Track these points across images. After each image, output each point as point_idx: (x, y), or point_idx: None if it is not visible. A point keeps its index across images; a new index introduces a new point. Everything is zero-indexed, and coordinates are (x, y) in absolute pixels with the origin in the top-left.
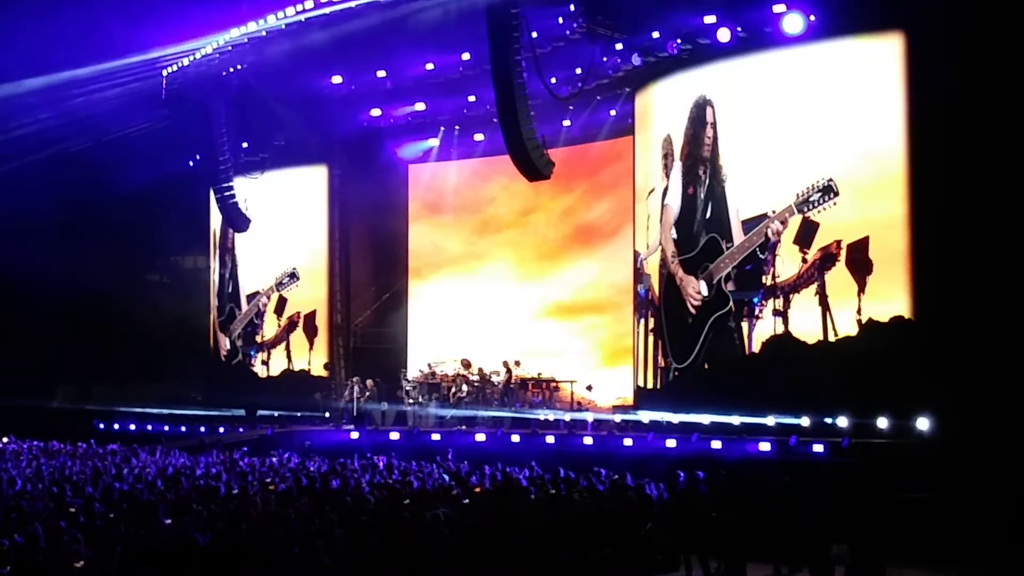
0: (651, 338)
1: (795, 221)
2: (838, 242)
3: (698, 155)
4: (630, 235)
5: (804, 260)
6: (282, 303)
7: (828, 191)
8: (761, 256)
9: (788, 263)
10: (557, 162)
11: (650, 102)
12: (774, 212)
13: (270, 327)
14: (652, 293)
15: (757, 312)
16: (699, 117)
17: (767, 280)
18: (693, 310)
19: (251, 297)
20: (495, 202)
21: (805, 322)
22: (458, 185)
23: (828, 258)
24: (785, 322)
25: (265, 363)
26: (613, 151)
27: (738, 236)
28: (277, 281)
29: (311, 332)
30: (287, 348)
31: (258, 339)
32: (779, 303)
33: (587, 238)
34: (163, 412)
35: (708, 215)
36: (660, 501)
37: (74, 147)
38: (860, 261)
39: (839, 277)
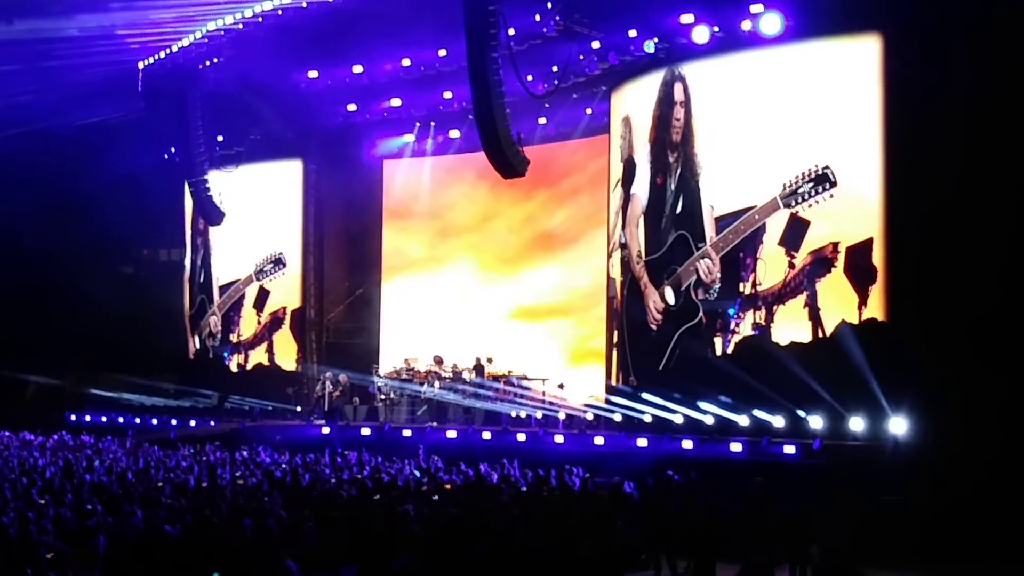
0: (615, 352)
1: (780, 218)
2: (834, 244)
3: (666, 139)
4: (598, 237)
5: (791, 265)
6: (263, 296)
7: (823, 181)
8: (738, 259)
9: (772, 268)
10: (531, 162)
11: (626, 101)
12: (754, 207)
13: (248, 324)
14: (616, 300)
15: (733, 326)
16: (667, 96)
17: (745, 288)
18: (655, 324)
19: (225, 288)
20: (468, 202)
21: (792, 338)
22: (432, 183)
23: (821, 263)
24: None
25: (241, 366)
26: (584, 153)
27: (712, 236)
28: (258, 268)
29: (300, 331)
30: (269, 349)
31: (233, 338)
32: (760, 315)
33: (557, 241)
34: (134, 404)
35: (679, 209)
36: (631, 500)
37: (44, 130)
38: (862, 268)
39: (835, 286)
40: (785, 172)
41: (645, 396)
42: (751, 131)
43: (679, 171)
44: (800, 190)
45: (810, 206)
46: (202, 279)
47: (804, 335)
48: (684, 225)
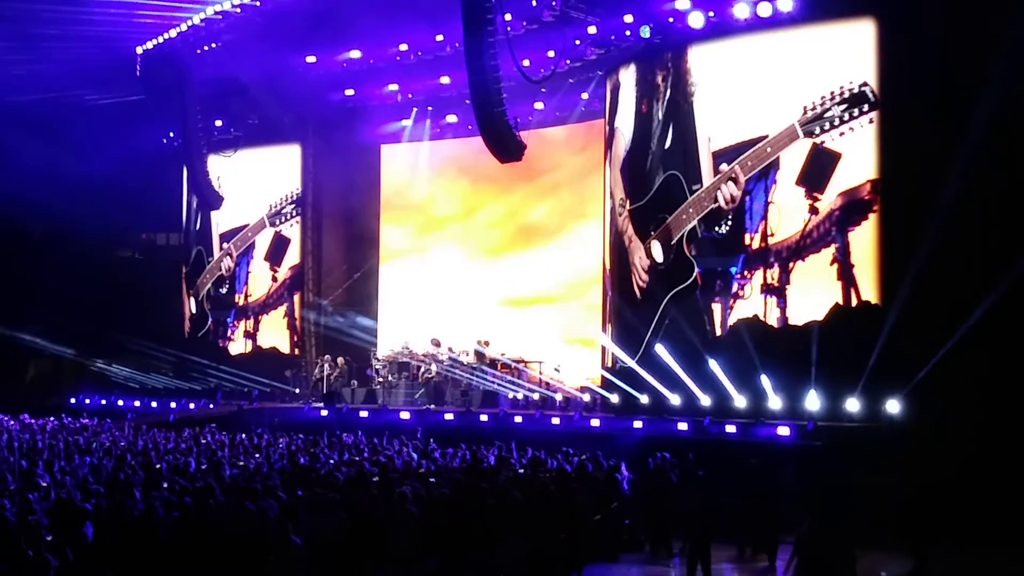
0: (606, 324)
1: (799, 151)
2: (873, 183)
3: (653, 53)
4: (592, 226)
5: (814, 210)
6: (281, 246)
7: (859, 102)
8: (743, 204)
9: (788, 215)
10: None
11: (622, 85)
12: (766, 138)
13: (259, 281)
14: (605, 265)
15: (736, 288)
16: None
17: (753, 240)
18: (641, 286)
19: (228, 236)
20: (463, 190)
21: (815, 305)
22: (424, 172)
23: (855, 207)
24: (782, 304)
25: (250, 335)
26: (578, 140)
27: (708, 174)
28: (273, 211)
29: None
30: (289, 312)
31: (238, 299)
32: (772, 274)
33: (550, 230)
34: (133, 386)
35: (667, 143)
36: (627, 482)
37: (39, 112)
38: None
39: (872, 236)
40: (804, 94)
41: (624, 380)
42: (744, 116)
43: (668, 94)
44: (828, 114)
45: (842, 134)
46: (198, 225)
47: (830, 298)
48: (674, 163)
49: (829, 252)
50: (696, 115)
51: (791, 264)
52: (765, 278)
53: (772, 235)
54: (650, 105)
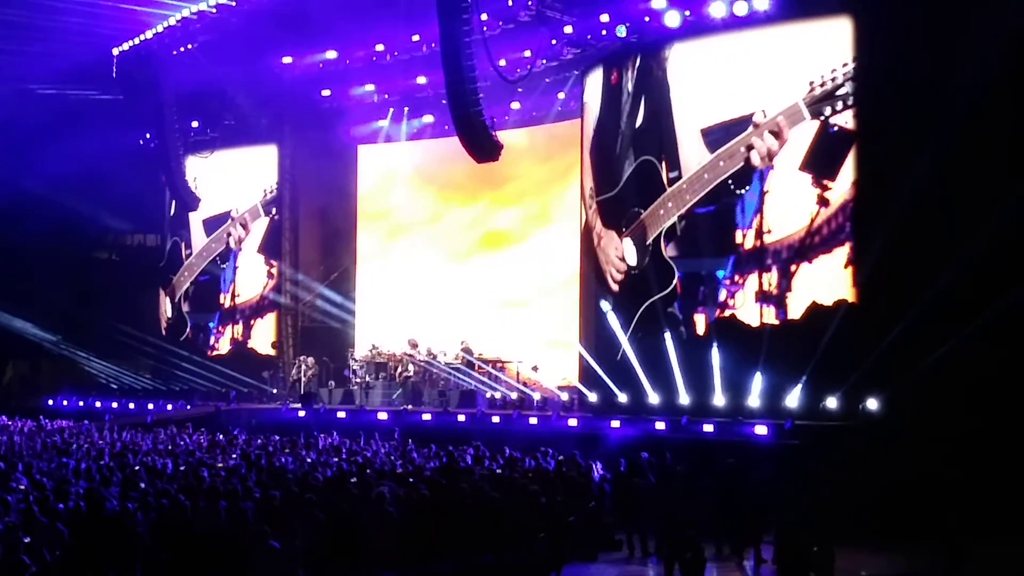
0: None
1: (803, 133)
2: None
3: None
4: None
5: (823, 201)
6: (275, 235)
7: None
8: (735, 195)
9: (790, 208)
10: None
11: (598, 85)
12: (764, 115)
13: (250, 280)
14: (580, 264)
15: (725, 296)
16: None
17: (746, 239)
18: (614, 290)
19: (212, 224)
20: (439, 192)
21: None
22: (404, 170)
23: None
24: (781, 311)
25: (237, 342)
26: (554, 141)
27: (691, 160)
28: (268, 196)
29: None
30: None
31: (223, 300)
32: (771, 279)
33: (527, 232)
34: (111, 387)
35: (639, 121)
36: (604, 481)
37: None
38: None
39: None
40: (808, 69)
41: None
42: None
43: (638, 61)
44: (840, 91)
45: (854, 115)
46: (172, 212)
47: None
48: (648, 146)
49: (843, 252)
50: (671, 86)
51: (793, 267)
52: (761, 283)
53: (769, 232)
54: (620, 75)
